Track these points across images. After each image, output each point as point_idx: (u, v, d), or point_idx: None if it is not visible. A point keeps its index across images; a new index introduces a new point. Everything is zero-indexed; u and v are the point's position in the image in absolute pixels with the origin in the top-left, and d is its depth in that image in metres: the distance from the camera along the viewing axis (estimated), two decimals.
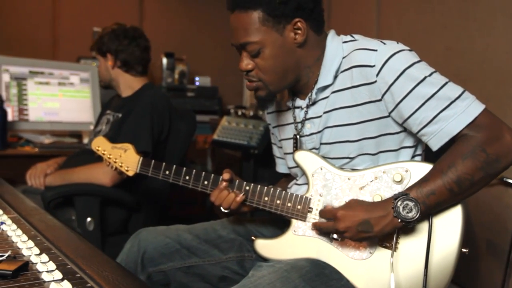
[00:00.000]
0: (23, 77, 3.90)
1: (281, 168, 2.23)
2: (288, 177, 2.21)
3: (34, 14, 5.30)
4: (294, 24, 1.78)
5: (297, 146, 1.93)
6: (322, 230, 1.77)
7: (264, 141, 3.96)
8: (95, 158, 2.88)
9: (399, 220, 1.61)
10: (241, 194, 1.88)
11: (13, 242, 1.42)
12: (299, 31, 1.79)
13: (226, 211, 1.93)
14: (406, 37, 1.92)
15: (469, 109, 1.63)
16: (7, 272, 1.17)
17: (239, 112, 4.69)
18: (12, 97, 3.82)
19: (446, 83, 1.67)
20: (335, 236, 1.73)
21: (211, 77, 5.80)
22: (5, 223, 1.59)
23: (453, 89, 1.66)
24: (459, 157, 1.61)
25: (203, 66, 6.01)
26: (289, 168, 2.06)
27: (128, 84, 3.20)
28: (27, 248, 1.36)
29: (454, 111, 1.64)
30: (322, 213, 1.76)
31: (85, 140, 4.00)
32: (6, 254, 1.28)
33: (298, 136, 1.93)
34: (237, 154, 4.48)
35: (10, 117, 3.70)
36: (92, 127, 3.88)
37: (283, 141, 2.07)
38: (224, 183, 1.91)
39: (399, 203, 1.60)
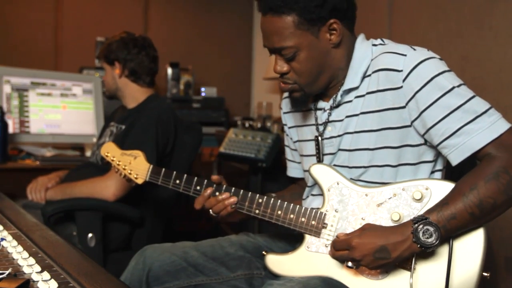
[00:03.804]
0: (25, 88, 3.87)
1: (292, 172, 2.19)
2: (299, 183, 2.19)
3: (36, 23, 5.31)
4: (330, 25, 1.76)
5: (319, 148, 1.89)
6: (337, 259, 1.71)
7: (272, 154, 3.92)
8: (98, 171, 2.85)
9: (418, 246, 1.56)
10: (232, 199, 1.87)
11: (13, 259, 1.41)
12: (335, 32, 1.77)
13: (215, 215, 1.91)
14: (419, 45, 1.88)
15: (494, 125, 1.60)
16: None
17: (247, 124, 4.66)
18: (13, 108, 3.80)
19: (474, 96, 1.64)
20: (349, 264, 1.66)
21: (218, 87, 5.77)
22: (5, 239, 1.58)
23: (480, 104, 1.63)
24: (481, 179, 1.58)
25: (209, 76, 6.00)
26: (305, 170, 2.01)
27: (134, 95, 3.15)
28: (28, 265, 1.35)
29: (479, 126, 1.60)
30: (337, 244, 1.69)
31: (88, 153, 3.98)
32: (7, 272, 1.27)
33: (320, 138, 1.88)
34: (244, 168, 4.45)
35: (11, 129, 3.66)
36: (95, 140, 3.85)
37: (300, 142, 2.04)
38: (209, 191, 1.90)
39: (419, 227, 1.55)
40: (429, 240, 1.54)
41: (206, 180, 1.94)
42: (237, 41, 5.98)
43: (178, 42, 5.90)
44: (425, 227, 1.54)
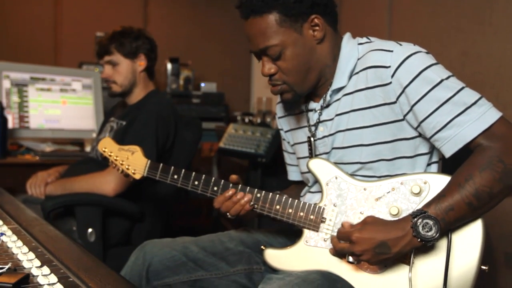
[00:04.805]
0: (24, 83, 3.86)
1: (293, 176, 2.19)
2: (299, 185, 2.17)
3: (35, 19, 5.29)
4: (311, 21, 1.77)
5: (312, 148, 1.90)
6: (337, 252, 1.71)
7: (272, 149, 3.92)
8: (98, 167, 2.84)
9: (419, 240, 1.56)
10: (249, 204, 1.85)
11: (13, 254, 1.40)
12: (317, 27, 1.78)
13: (231, 217, 1.90)
14: (419, 41, 1.88)
15: (485, 116, 1.60)
16: (7, 285, 1.16)
17: (246, 119, 4.66)
18: (13, 104, 3.79)
19: (463, 88, 1.64)
20: (350, 259, 1.67)
21: (217, 83, 5.75)
22: (5, 234, 1.57)
23: (470, 95, 1.63)
24: (476, 169, 1.58)
25: (209, 71, 5.98)
26: (302, 173, 2.02)
27: (142, 90, 3.13)
28: (28, 260, 1.34)
29: (469, 117, 1.60)
30: (338, 236, 1.69)
31: (87, 148, 3.97)
32: (6, 267, 1.27)
33: (312, 139, 1.89)
34: (244, 163, 4.44)
35: (10, 125, 3.66)
36: (94, 135, 3.84)
37: (296, 145, 2.04)
38: (231, 192, 1.86)
39: (418, 222, 1.55)
40: (429, 233, 1.54)
41: (204, 175, 1.93)
42: (237, 36, 5.90)
43: (178, 37, 5.87)
44: (425, 221, 1.54)
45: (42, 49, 5.29)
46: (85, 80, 4.10)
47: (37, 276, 1.23)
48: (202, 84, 5.69)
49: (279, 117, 2.14)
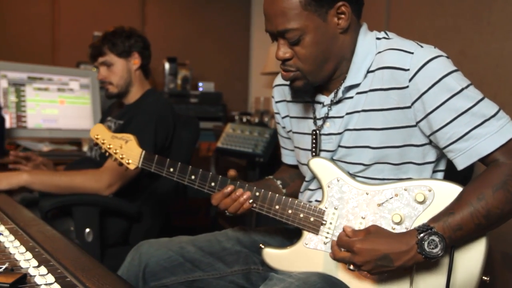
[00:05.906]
0: (22, 83, 3.86)
1: (286, 159, 2.13)
2: (291, 168, 2.13)
3: (33, 18, 5.29)
4: (338, 8, 1.65)
5: (317, 143, 1.81)
6: (338, 261, 1.66)
7: (270, 149, 3.91)
8: (95, 166, 2.84)
9: (423, 256, 1.51)
10: (249, 202, 1.80)
11: (10, 253, 1.40)
12: (343, 16, 1.66)
13: (230, 214, 1.86)
14: (417, 40, 1.89)
15: (503, 129, 1.55)
16: (4, 285, 1.16)
17: (244, 119, 4.65)
18: (10, 103, 3.79)
19: (483, 98, 1.58)
20: (351, 267, 1.62)
21: (215, 82, 5.76)
22: (2, 234, 1.57)
23: (489, 106, 1.57)
24: (489, 188, 1.53)
25: (207, 71, 5.99)
26: (301, 164, 1.95)
27: (138, 89, 3.11)
28: (25, 260, 1.35)
29: (487, 130, 1.55)
30: (339, 243, 1.63)
31: (85, 148, 3.94)
32: (4, 267, 1.27)
33: (318, 133, 1.81)
34: (242, 163, 4.43)
35: (8, 124, 3.66)
36: None
37: (296, 134, 1.96)
38: (229, 188, 1.80)
39: (424, 238, 1.51)
40: (434, 250, 1.49)
41: (200, 170, 1.87)
42: (235, 36, 5.97)
43: (175, 37, 5.89)
44: (431, 238, 1.50)
45: (40, 49, 5.29)
46: (83, 80, 4.10)
47: (35, 276, 1.23)
48: (200, 84, 5.70)
49: (277, 101, 2.05)
